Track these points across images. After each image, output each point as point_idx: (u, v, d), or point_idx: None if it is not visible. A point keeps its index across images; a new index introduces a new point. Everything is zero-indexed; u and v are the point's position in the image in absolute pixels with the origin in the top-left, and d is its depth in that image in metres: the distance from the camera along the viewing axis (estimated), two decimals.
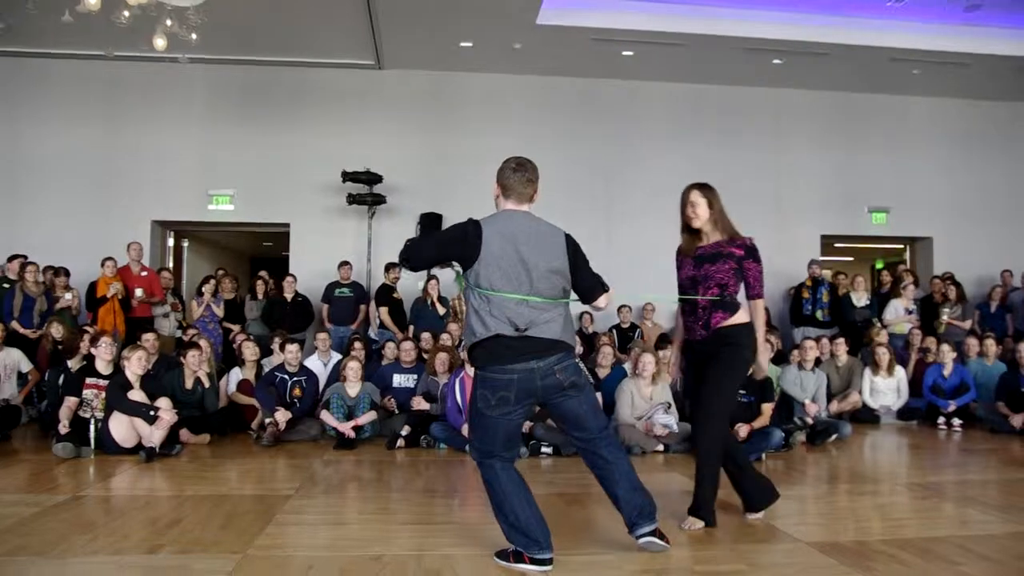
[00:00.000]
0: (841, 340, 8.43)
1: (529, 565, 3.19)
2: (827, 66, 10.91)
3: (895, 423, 8.17)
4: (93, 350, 6.53)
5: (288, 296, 9.63)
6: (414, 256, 3.35)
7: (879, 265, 14.04)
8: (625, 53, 10.67)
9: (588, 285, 3.46)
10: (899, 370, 8.35)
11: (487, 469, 3.31)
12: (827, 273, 10.74)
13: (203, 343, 7.44)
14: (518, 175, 3.36)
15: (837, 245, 13.06)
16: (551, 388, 3.26)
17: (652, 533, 3.36)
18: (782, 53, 10.59)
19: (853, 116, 11.99)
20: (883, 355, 8.26)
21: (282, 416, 6.61)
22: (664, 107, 11.66)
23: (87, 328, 8.20)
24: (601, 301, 3.51)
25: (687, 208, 4.10)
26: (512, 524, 3.23)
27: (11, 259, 9.11)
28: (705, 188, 4.12)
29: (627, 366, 7.40)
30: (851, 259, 15.12)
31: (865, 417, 8.03)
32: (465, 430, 6.30)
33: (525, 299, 3.21)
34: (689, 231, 4.15)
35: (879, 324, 9.58)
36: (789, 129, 11.91)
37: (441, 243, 3.39)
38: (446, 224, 10.86)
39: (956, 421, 7.81)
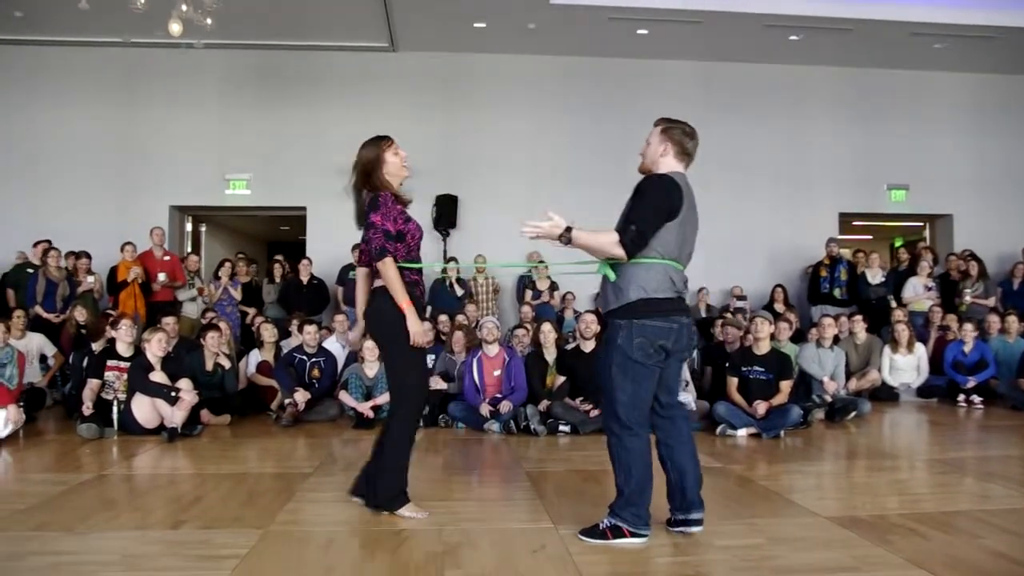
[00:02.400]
0: (859, 318, 8.38)
1: (630, 539, 3.20)
2: (846, 42, 10.76)
3: (915, 401, 8.12)
4: (114, 333, 6.61)
5: (304, 279, 9.69)
6: (645, 237, 3.14)
7: (898, 243, 13.90)
8: (640, 32, 10.58)
9: None
10: (919, 347, 8.29)
11: (631, 439, 3.21)
12: (846, 252, 10.66)
13: (222, 325, 7.50)
14: (693, 142, 3.40)
15: (856, 223, 12.92)
16: (685, 347, 3.31)
17: (700, 522, 3.35)
18: (800, 29, 10.45)
19: (872, 92, 11.83)
20: (902, 332, 8.20)
21: (301, 397, 6.67)
22: (680, 85, 11.55)
23: (110, 312, 8.30)
24: None
25: None
26: (629, 500, 3.21)
27: (35, 244, 9.23)
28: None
29: None
30: (870, 237, 14.96)
31: (884, 395, 7.99)
32: (484, 409, 6.34)
33: (681, 267, 3.28)
34: None
35: (894, 302, 9.51)
36: (806, 106, 11.78)
37: (659, 208, 3.18)
38: (461, 205, 10.88)
39: (976, 398, 7.74)
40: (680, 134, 3.39)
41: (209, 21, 7.72)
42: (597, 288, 10.53)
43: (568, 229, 3.17)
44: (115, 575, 2.87)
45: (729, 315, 9.15)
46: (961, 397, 7.82)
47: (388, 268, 3.51)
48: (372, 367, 6.87)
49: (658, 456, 3.37)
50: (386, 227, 3.52)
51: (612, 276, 3.23)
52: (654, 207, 3.17)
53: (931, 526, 3.44)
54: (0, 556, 3.10)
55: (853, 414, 6.81)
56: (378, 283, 3.61)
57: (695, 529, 3.33)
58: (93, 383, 6.20)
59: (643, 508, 3.23)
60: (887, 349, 8.20)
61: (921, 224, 12.87)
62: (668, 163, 3.37)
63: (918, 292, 9.71)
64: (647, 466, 3.24)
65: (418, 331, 3.51)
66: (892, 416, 7.32)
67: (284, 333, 8.14)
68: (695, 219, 3.34)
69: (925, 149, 11.79)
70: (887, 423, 7.00)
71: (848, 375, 7.73)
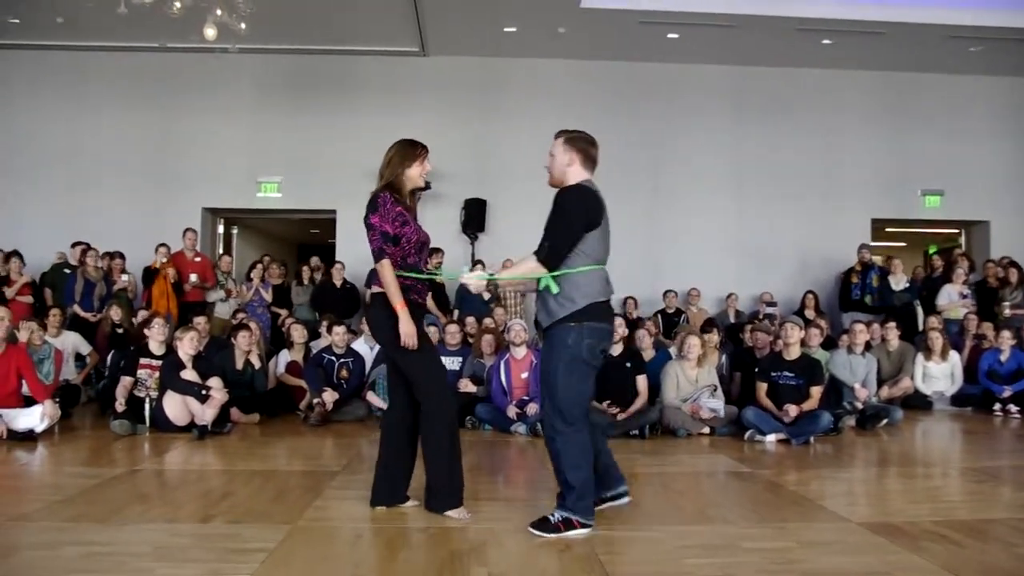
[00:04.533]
0: (892, 324, 8.26)
1: (580, 530, 3.31)
2: (879, 45, 10.62)
3: (948, 409, 7.98)
4: (146, 331, 6.70)
5: (337, 282, 9.77)
6: (559, 251, 3.33)
7: (932, 250, 13.69)
8: (671, 36, 10.53)
9: None
10: (953, 355, 8.15)
11: (578, 435, 3.36)
12: (878, 258, 10.53)
13: (252, 325, 7.58)
14: (596, 149, 3.55)
15: (889, 230, 12.76)
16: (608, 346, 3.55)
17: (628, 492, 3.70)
18: (833, 33, 10.34)
19: (905, 96, 11.67)
20: (936, 340, 8.07)
21: (329, 397, 6.72)
22: (710, 90, 11.50)
23: (144, 310, 8.44)
24: None
25: None
26: (580, 494, 3.33)
27: (74, 245, 9.42)
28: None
29: (672, 349, 7.36)
30: (903, 244, 14.76)
31: (917, 403, 7.86)
32: (511, 411, 6.35)
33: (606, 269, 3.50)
34: None
35: (920, 308, 9.36)
36: (838, 110, 11.64)
37: (577, 220, 3.35)
38: (490, 209, 10.91)
39: (1013, 407, 7.59)
40: (583, 143, 3.53)
41: (243, 26, 7.83)
42: (624, 293, 10.54)
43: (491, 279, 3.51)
44: (147, 566, 2.91)
45: (758, 321, 9.06)
46: (997, 406, 7.67)
47: (384, 270, 3.56)
48: None
49: None
50: (384, 229, 3.56)
51: (555, 289, 3.35)
52: (570, 221, 3.33)
53: (965, 533, 3.38)
54: (37, 546, 3.17)
55: (885, 422, 6.71)
56: (375, 289, 3.66)
57: (624, 500, 3.67)
58: (126, 380, 6.29)
59: (591, 500, 3.41)
60: (920, 357, 8.06)
61: (956, 231, 12.65)
62: (576, 172, 3.47)
63: (953, 299, 9.54)
64: (588, 461, 3.40)
65: (408, 332, 3.52)
66: (925, 424, 7.20)
67: (314, 334, 8.20)
68: (608, 223, 3.51)
69: (960, 154, 11.59)
70: (920, 431, 6.89)
71: (880, 383, 7.61)
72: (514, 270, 3.44)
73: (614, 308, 3.59)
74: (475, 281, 3.60)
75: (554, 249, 3.32)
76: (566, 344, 3.33)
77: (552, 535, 3.30)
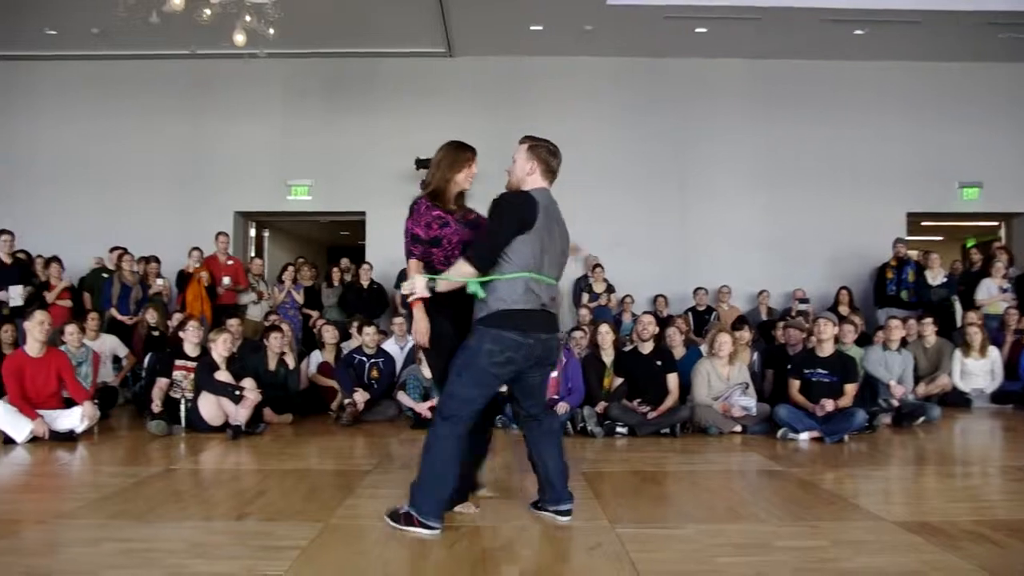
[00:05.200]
0: (929, 320, 8.13)
1: (419, 529, 3.31)
2: (913, 35, 10.45)
3: (988, 407, 7.82)
4: (181, 333, 6.81)
5: (364, 283, 9.83)
6: (483, 255, 3.30)
7: (970, 244, 13.42)
8: (698, 30, 10.46)
9: None
10: (993, 351, 7.99)
11: (452, 427, 3.32)
12: (913, 253, 10.35)
13: (284, 327, 7.66)
14: (557, 160, 3.50)
15: (925, 223, 12.54)
16: (542, 359, 3.45)
17: (570, 512, 3.55)
18: (865, 23, 10.19)
19: (941, 86, 11.45)
20: (975, 336, 7.91)
21: (360, 397, 6.78)
22: (738, 84, 11.40)
23: (178, 313, 8.57)
24: None
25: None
26: (433, 492, 3.33)
27: (112, 250, 9.60)
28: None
29: (703, 347, 7.31)
30: (940, 238, 14.50)
31: (956, 400, 7.71)
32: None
33: (549, 281, 3.41)
34: None
35: (957, 304, 9.18)
36: (871, 102, 11.46)
37: (508, 226, 3.30)
38: None
39: None
40: (546, 153, 3.48)
41: (271, 31, 7.92)
42: (654, 291, 10.49)
43: (431, 283, 3.39)
44: (183, 562, 2.95)
45: (791, 318, 8.96)
46: None
47: (408, 269, 3.61)
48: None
49: (528, 455, 3.64)
50: (415, 232, 3.55)
51: (481, 294, 3.32)
52: (500, 224, 3.30)
53: (1006, 533, 3.31)
54: (77, 542, 3.24)
55: (922, 419, 6.60)
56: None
57: (563, 520, 3.52)
58: (161, 382, 6.40)
59: (436, 500, 3.34)
60: (958, 353, 7.92)
61: (996, 223, 12.39)
62: (535, 181, 3.46)
63: (992, 294, 9.36)
64: (450, 461, 3.33)
65: (420, 330, 3.53)
66: (964, 422, 7.07)
67: (345, 335, 8.27)
68: (559, 232, 3.46)
69: (999, 145, 11.35)
70: (958, 429, 6.77)
71: (917, 380, 7.49)
72: (449, 273, 3.37)
73: (554, 316, 3.48)
74: (421, 287, 3.39)
75: (478, 253, 3.30)
76: (469, 344, 3.35)
77: (394, 525, 3.36)
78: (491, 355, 3.29)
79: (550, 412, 3.80)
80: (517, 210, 3.30)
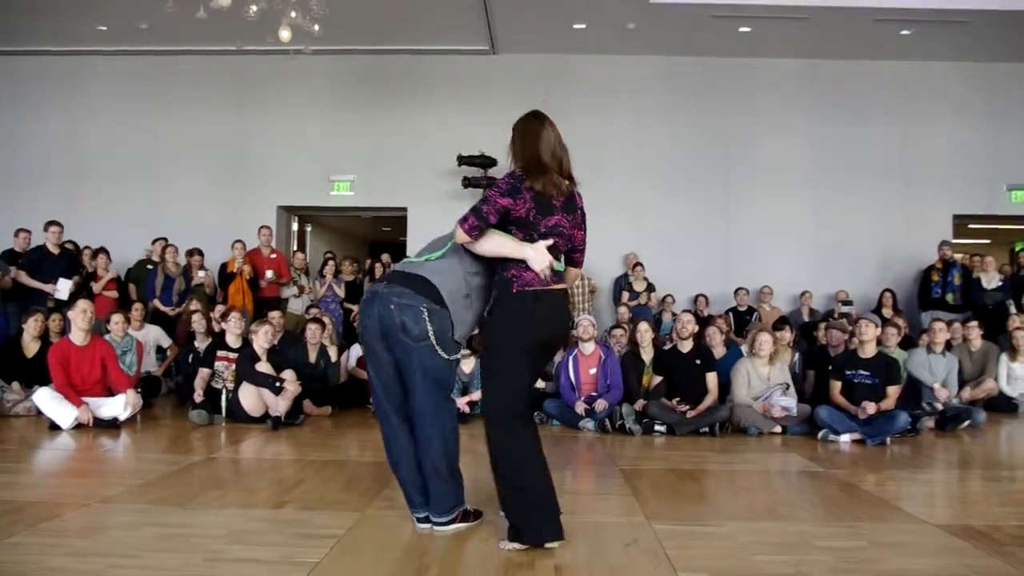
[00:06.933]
0: (975, 324, 7.95)
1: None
2: (962, 35, 10.22)
3: None
4: (223, 325, 6.93)
5: None
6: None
7: (1018, 247, 13.09)
8: (743, 29, 10.35)
9: None
10: None
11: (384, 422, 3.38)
12: (960, 256, 10.13)
13: (325, 320, 7.74)
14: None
15: (972, 226, 12.27)
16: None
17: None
18: (912, 23, 10.00)
19: (989, 87, 11.19)
20: (1022, 340, 7.72)
21: None
22: (783, 84, 11.25)
23: (221, 306, 8.71)
24: None
25: None
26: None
27: (154, 242, 9.79)
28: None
29: (743, 347, 7.24)
30: (987, 241, 14.18)
31: (1001, 405, 7.54)
32: (579, 407, 6.34)
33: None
34: None
35: (1013, 307, 8.96)
36: (918, 103, 11.25)
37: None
38: None
39: None
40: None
41: (316, 27, 8.01)
42: (695, 291, 10.41)
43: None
44: (222, 548, 3.00)
45: (833, 319, 8.83)
46: None
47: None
48: (468, 363, 6.95)
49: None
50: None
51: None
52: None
53: None
54: (120, 526, 3.32)
55: (966, 423, 6.47)
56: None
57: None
58: (203, 372, 6.52)
59: (408, 495, 3.33)
60: (1004, 357, 7.74)
61: None
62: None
63: None
64: (388, 451, 3.37)
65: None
66: (1010, 427, 6.91)
67: None
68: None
69: None
70: (1004, 434, 6.61)
71: (962, 383, 7.34)
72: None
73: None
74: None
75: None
76: None
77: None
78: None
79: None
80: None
